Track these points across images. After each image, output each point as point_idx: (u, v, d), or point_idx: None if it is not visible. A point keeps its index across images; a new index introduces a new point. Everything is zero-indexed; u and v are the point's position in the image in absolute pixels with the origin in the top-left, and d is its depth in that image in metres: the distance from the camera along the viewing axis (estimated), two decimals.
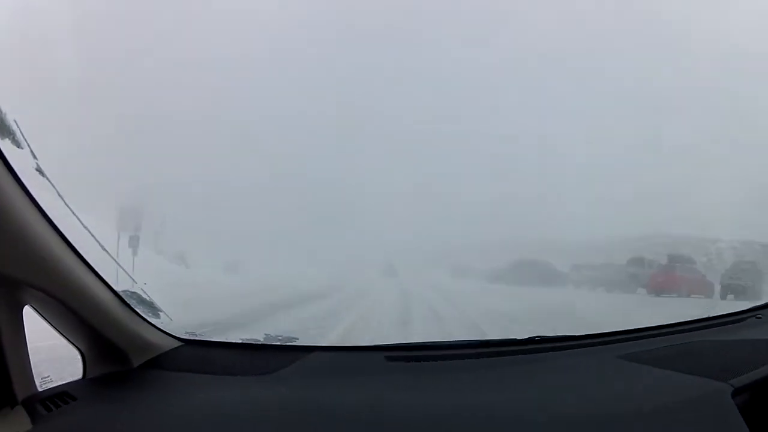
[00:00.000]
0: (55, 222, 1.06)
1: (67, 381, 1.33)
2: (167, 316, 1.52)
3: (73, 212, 1.18)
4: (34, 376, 1.15)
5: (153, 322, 1.45)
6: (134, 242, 11.17)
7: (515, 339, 1.68)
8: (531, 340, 1.66)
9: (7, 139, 0.94)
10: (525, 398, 1.37)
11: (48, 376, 1.41)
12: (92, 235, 1.24)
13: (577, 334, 1.74)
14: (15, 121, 0.94)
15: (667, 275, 16.81)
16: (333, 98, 23.02)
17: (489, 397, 1.35)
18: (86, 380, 1.35)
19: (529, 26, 23.58)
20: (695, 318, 1.97)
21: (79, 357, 1.35)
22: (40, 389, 1.18)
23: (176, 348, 1.50)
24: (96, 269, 1.21)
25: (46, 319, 1.22)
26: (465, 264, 24.36)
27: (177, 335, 1.53)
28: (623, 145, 21.58)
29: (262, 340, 1.62)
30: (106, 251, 1.33)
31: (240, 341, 1.61)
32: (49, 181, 1.09)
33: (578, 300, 13.81)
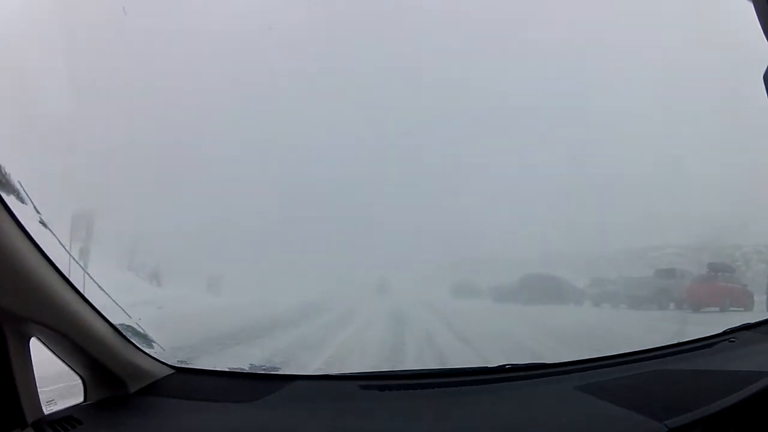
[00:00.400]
0: (57, 265, 1.21)
1: (70, 405, 1.45)
2: (160, 346, 1.67)
3: (72, 257, 1.34)
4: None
5: (147, 352, 1.60)
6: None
7: (485, 367, 1.81)
8: (501, 369, 1.78)
9: (12, 196, 1.10)
10: (487, 428, 1.48)
11: (53, 400, 1.57)
12: (90, 276, 1.42)
13: (545, 362, 1.84)
14: (19, 182, 1.13)
15: (707, 286, 15.13)
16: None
17: (453, 426, 1.46)
18: (88, 404, 1.48)
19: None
20: (661, 345, 2.03)
21: (80, 382, 1.49)
22: (46, 412, 1.31)
23: (169, 375, 1.65)
24: (94, 305, 1.36)
25: (50, 349, 1.36)
26: (466, 280, 22.60)
27: (169, 363, 1.68)
28: (632, 154, 21.23)
29: (247, 368, 1.76)
30: (103, 290, 1.48)
31: (227, 369, 1.74)
32: (51, 231, 1.27)
33: (601, 319, 12.99)
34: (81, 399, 1.49)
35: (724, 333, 2.08)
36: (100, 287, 1.50)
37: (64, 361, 1.41)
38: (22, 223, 1.10)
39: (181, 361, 1.72)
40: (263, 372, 1.73)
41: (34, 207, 1.21)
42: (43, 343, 1.32)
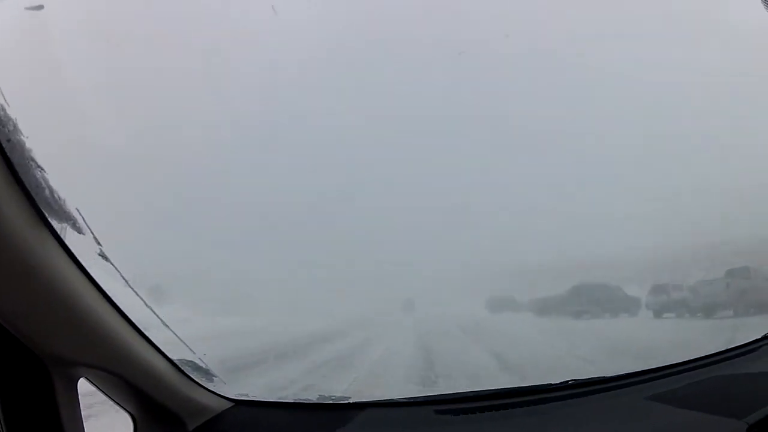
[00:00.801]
0: (114, 300, 1.10)
1: None
2: (221, 379, 1.54)
3: (136, 293, 1.20)
4: None
5: (206, 386, 1.47)
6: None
7: (550, 384, 1.77)
8: (565, 385, 1.77)
9: (66, 225, 0.97)
10: None
11: None
12: (153, 312, 1.25)
13: (608, 376, 1.85)
14: (77, 209, 0.99)
15: None
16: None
17: None
18: None
19: None
20: (712, 352, 2.10)
21: (130, 420, 1.36)
22: None
23: (229, 409, 1.53)
24: (153, 341, 1.24)
25: (99, 389, 1.25)
26: (504, 294, 21.07)
27: (229, 396, 1.55)
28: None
29: (315, 399, 1.64)
30: (167, 325, 1.36)
31: (292, 401, 1.64)
32: (114, 265, 1.13)
33: (673, 331, 11.30)
34: None
35: (765, 337, 2.18)
36: (164, 323, 1.36)
37: (113, 399, 1.31)
38: (77, 257, 1.00)
39: (241, 394, 1.59)
40: (332, 402, 1.62)
41: (94, 238, 1.08)
42: (93, 383, 1.22)
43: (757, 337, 2.22)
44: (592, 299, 15.94)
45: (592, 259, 18.87)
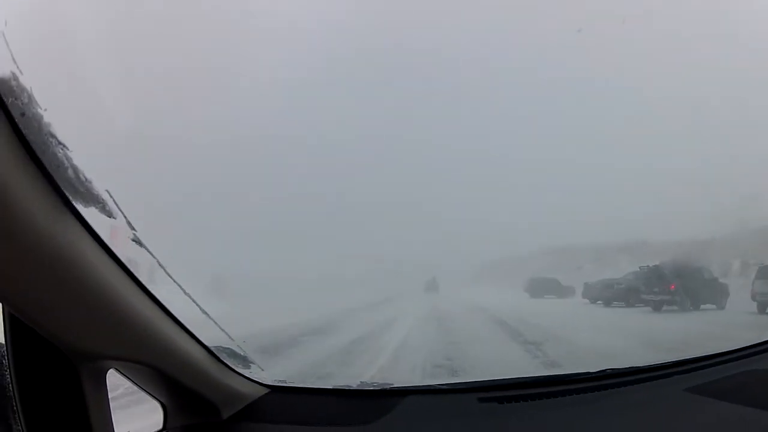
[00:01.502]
0: (149, 288, 1.02)
1: None
2: (258, 366, 1.48)
3: (173, 280, 1.12)
4: None
5: (242, 372, 1.39)
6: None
7: (590, 373, 1.74)
8: (604, 374, 1.74)
9: (95, 208, 0.87)
10: None
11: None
12: (193, 300, 1.20)
13: (645, 365, 1.83)
14: (107, 191, 0.89)
15: None
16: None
17: None
18: None
19: None
20: (751, 343, 2.11)
21: (160, 408, 1.32)
22: None
23: (265, 396, 1.46)
24: (188, 328, 1.16)
25: (130, 379, 1.19)
26: (549, 278, 20.50)
27: (265, 383, 1.48)
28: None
29: (355, 385, 1.58)
30: (206, 313, 1.28)
31: (331, 387, 1.56)
32: (149, 251, 1.04)
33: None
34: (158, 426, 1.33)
35: None
36: (203, 311, 1.27)
37: (143, 389, 1.25)
38: (107, 243, 0.90)
39: (278, 380, 1.53)
40: (372, 389, 1.55)
41: (127, 222, 0.97)
42: (122, 374, 1.16)
43: None
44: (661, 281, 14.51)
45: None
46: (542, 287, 20.05)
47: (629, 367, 1.82)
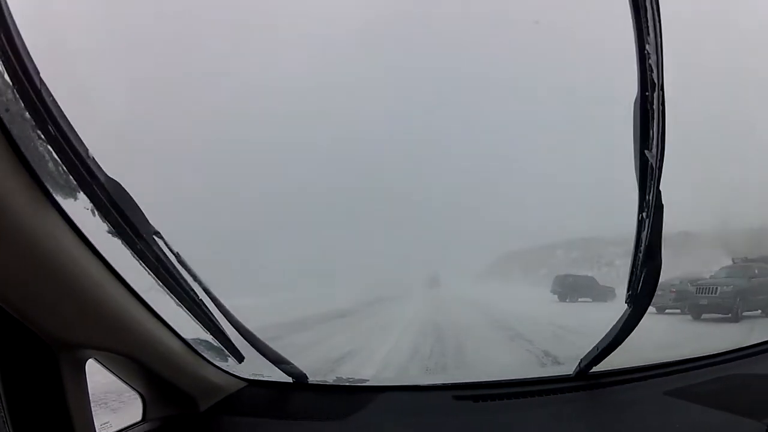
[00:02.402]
0: (127, 280, 1.06)
1: (126, 426, 1.31)
2: (234, 359, 1.48)
3: (146, 269, 1.12)
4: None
5: (220, 366, 1.43)
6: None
7: (569, 375, 1.74)
8: (583, 376, 1.74)
9: (73, 201, 0.92)
10: None
11: (107, 422, 1.50)
12: (167, 291, 1.19)
13: (625, 367, 1.84)
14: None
15: None
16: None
17: None
18: (153, 425, 1.33)
19: None
20: (732, 348, 2.13)
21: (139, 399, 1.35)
22: None
23: (242, 389, 1.50)
24: (166, 321, 1.20)
25: (109, 369, 1.22)
26: (577, 274, 18.45)
27: (242, 376, 1.52)
28: None
29: (331, 381, 1.61)
30: (181, 306, 1.25)
31: (308, 382, 1.58)
32: (125, 243, 1.06)
33: None
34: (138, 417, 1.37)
35: None
36: (177, 303, 1.27)
37: (122, 379, 1.28)
38: (87, 235, 0.95)
39: (255, 374, 1.56)
40: (348, 384, 1.59)
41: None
42: (102, 364, 1.19)
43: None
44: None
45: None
46: (574, 287, 16.81)
47: (608, 370, 1.81)
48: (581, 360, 1.71)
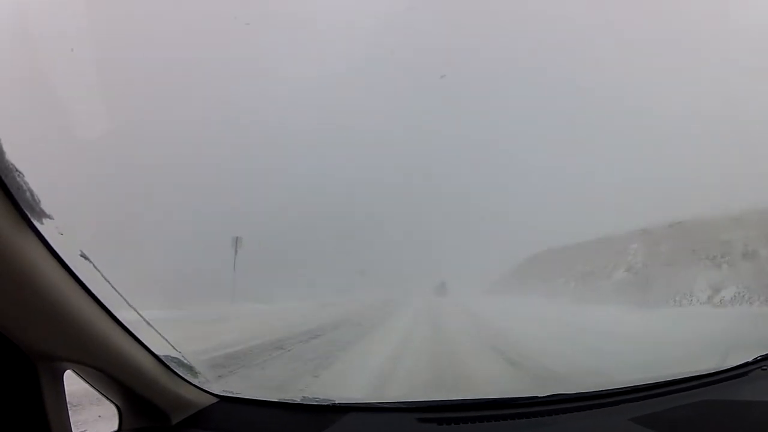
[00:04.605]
0: (101, 300, 1.15)
1: None
2: (205, 376, 1.58)
3: (118, 292, 1.24)
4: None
5: (191, 381, 1.50)
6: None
7: (536, 397, 1.78)
8: (554, 399, 1.78)
9: (46, 223, 1.01)
10: None
11: (85, 430, 1.56)
12: (135, 310, 1.33)
13: (593, 392, 1.86)
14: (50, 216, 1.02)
15: None
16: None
17: None
18: None
19: None
20: (703, 373, 2.12)
21: (115, 411, 1.41)
22: None
23: (213, 405, 1.56)
24: (139, 338, 1.28)
25: (86, 381, 1.29)
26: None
27: (214, 392, 1.58)
28: None
29: (299, 399, 1.65)
30: (150, 324, 1.40)
31: (277, 400, 1.64)
32: (93, 263, 1.17)
33: None
34: (113, 428, 1.43)
35: (757, 361, 2.21)
36: (147, 321, 1.41)
37: (99, 391, 1.34)
38: (61, 255, 1.05)
39: (226, 390, 1.63)
40: (315, 403, 1.64)
41: (76, 238, 1.13)
42: (79, 375, 1.26)
43: (748, 360, 2.23)
44: None
45: None
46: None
47: (577, 393, 1.85)
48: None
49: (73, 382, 1.25)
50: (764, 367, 2.18)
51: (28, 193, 0.97)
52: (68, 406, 1.21)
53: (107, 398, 1.38)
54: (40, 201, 0.99)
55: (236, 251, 16.61)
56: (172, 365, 1.42)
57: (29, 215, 0.97)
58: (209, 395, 1.57)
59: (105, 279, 1.15)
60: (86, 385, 1.32)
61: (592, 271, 18.54)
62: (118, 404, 1.40)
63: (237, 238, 16.78)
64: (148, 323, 1.41)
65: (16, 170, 0.94)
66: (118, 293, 1.19)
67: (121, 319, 1.21)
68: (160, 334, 1.44)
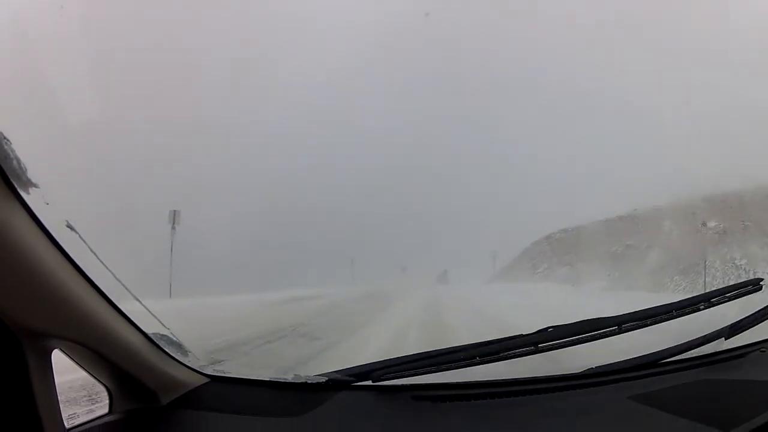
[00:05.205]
0: (86, 272, 1.13)
1: (92, 419, 1.37)
2: (195, 355, 1.56)
3: (105, 266, 1.24)
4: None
5: (182, 361, 1.49)
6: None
7: (534, 377, 1.76)
8: (547, 378, 1.76)
9: (34, 196, 0.99)
10: None
11: (75, 413, 1.54)
12: (122, 283, 1.31)
13: (592, 370, 1.84)
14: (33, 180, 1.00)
15: None
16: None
17: None
18: (116, 418, 1.39)
19: None
20: (702, 353, 2.08)
21: (105, 392, 1.41)
22: (68, 426, 1.24)
23: (204, 384, 1.55)
24: (127, 315, 1.26)
25: (74, 360, 1.27)
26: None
27: (205, 372, 1.58)
28: None
29: (291, 378, 1.65)
30: (138, 299, 1.40)
31: (268, 379, 1.63)
32: (80, 236, 1.15)
33: None
34: (105, 410, 1.43)
35: (756, 343, 2.19)
36: (135, 297, 1.40)
37: (88, 371, 1.33)
38: (47, 227, 1.03)
39: (218, 370, 1.62)
40: (307, 382, 1.63)
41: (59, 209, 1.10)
42: (67, 355, 1.24)
43: (748, 342, 2.18)
44: None
45: None
46: None
47: (573, 372, 1.84)
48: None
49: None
50: (763, 349, 2.18)
51: (14, 161, 0.96)
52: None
53: (97, 379, 1.37)
54: (26, 170, 0.97)
55: (174, 227, 15.51)
56: (162, 343, 1.41)
57: (15, 184, 0.96)
58: (200, 375, 1.56)
59: (91, 250, 1.15)
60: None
61: (621, 251, 16.88)
62: (108, 385, 1.39)
63: (174, 211, 15.70)
64: (136, 298, 1.41)
65: (4, 138, 0.93)
66: (105, 266, 1.19)
67: (108, 295, 1.20)
68: (148, 310, 1.44)
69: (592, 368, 1.85)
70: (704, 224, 14.08)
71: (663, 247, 14.90)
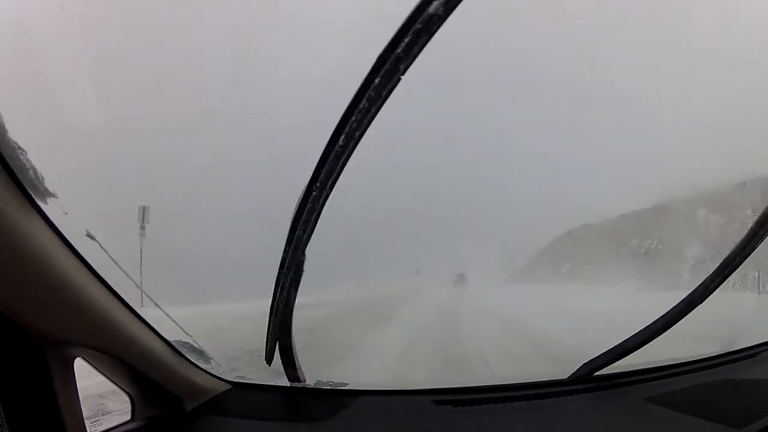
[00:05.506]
0: (108, 282, 1.12)
1: (115, 425, 1.36)
2: (217, 362, 1.55)
3: (127, 274, 1.22)
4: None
5: (204, 368, 1.48)
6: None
7: (554, 380, 1.78)
8: (566, 381, 1.77)
9: (52, 206, 0.98)
10: None
11: (97, 420, 1.53)
12: (144, 293, 1.29)
13: (607, 372, 1.84)
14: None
15: None
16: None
17: None
18: (140, 425, 1.38)
19: None
20: (714, 354, 2.13)
21: (127, 399, 1.40)
22: None
23: (227, 391, 1.55)
24: (149, 323, 1.25)
25: (97, 369, 1.26)
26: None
27: (226, 378, 1.57)
28: None
29: (312, 384, 1.63)
30: (160, 307, 1.39)
31: (289, 385, 1.62)
32: (101, 245, 1.15)
33: None
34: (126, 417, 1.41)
35: (765, 343, 2.25)
36: (156, 305, 1.39)
37: (111, 379, 1.32)
38: (67, 237, 1.02)
39: (239, 376, 1.62)
40: (329, 387, 1.63)
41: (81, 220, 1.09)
42: (90, 363, 1.24)
43: (758, 342, 2.24)
44: None
45: None
46: None
47: (594, 375, 1.84)
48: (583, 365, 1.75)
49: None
50: None
51: (31, 172, 0.92)
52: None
53: (119, 386, 1.36)
54: (43, 179, 0.94)
55: (143, 224, 13.51)
56: (184, 351, 1.39)
57: (33, 195, 0.93)
58: (222, 381, 1.55)
59: (112, 259, 1.12)
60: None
61: (654, 246, 15.69)
62: (130, 392, 1.38)
63: (144, 207, 13.60)
64: (158, 306, 1.38)
65: (19, 148, 0.90)
66: (126, 274, 1.16)
67: (129, 302, 1.17)
68: (170, 317, 1.42)
69: (609, 372, 1.86)
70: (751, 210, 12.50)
71: (702, 240, 13.65)
